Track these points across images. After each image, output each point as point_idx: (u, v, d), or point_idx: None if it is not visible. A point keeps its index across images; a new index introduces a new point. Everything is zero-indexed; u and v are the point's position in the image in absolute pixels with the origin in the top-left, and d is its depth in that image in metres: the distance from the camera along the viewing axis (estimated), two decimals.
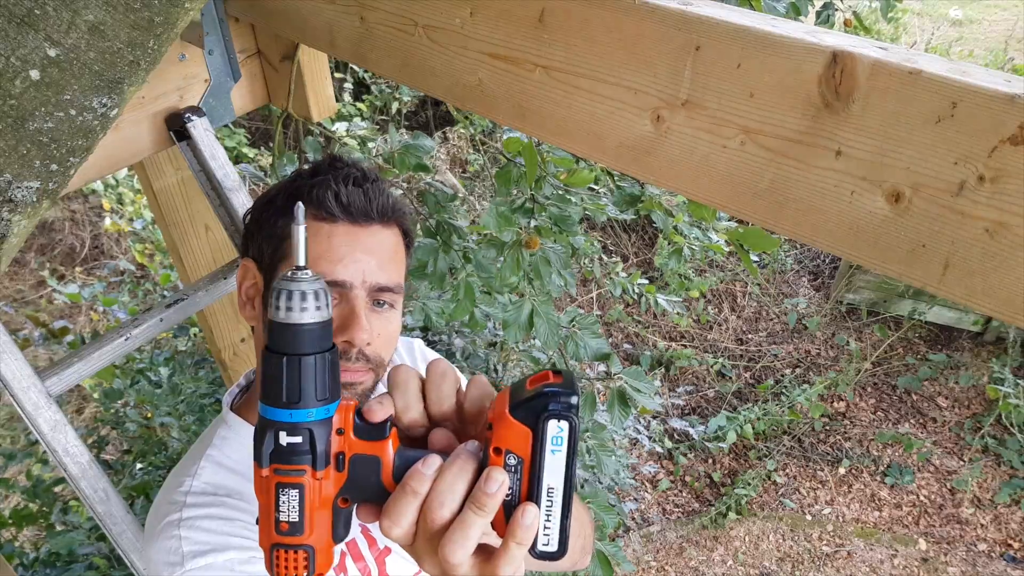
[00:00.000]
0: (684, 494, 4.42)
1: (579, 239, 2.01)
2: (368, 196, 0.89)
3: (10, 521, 2.30)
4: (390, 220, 0.93)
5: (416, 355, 1.21)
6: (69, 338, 2.75)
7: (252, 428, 0.94)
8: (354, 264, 0.87)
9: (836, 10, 2.36)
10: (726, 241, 2.08)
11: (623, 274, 2.53)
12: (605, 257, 3.98)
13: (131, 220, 4.33)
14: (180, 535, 0.84)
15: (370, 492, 0.58)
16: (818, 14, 2.34)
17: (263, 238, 0.93)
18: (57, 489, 2.45)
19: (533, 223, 1.83)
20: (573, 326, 1.83)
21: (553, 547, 0.57)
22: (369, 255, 0.89)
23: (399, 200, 0.94)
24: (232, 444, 0.95)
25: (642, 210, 1.91)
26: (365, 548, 0.98)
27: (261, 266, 0.94)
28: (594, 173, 1.92)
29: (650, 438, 4.18)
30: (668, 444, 4.49)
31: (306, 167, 0.96)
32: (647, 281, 2.57)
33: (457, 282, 1.87)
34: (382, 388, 1.01)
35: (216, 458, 0.93)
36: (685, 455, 4.54)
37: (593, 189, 1.98)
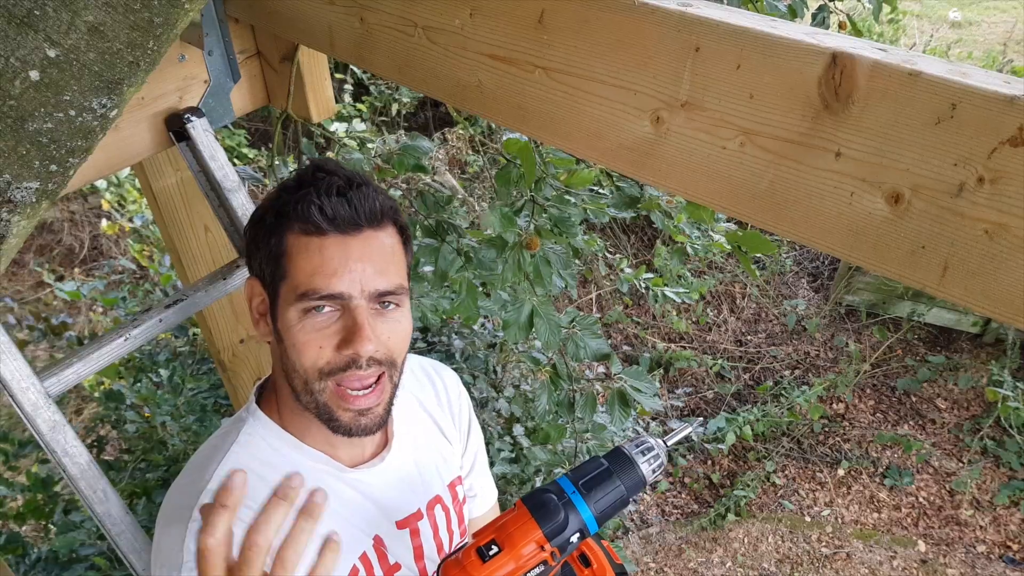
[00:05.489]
0: (683, 495, 4.42)
1: (579, 240, 2.01)
2: (353, 204, 0.88)
3: (19, 513, 2.30)
4: (381, 222, 0.91)
5: (438, 384, 1.18)
6: (69, 334, 2.76)
7: (276, 425, 0.96)
8: (349, 275, 0.87)
9: (831, 12, 2.37)
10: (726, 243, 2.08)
11: (628, 270, 2.52)
12: (609, 254, 3.97)
13: (131, 219, 4.33)
14: (185, 541, 0.84)
15: None
16: (813, 16, 2.35)
17: (262, 257, 0.93)
18: (57, 488, 2.45)
19: (532, 224, 1.83)
20: (573, 327, 1.83)
21: None
22: (364, 263, 0.88)
23: (387, 199, 0.93)
24: (257, 441, 0.96)
25: (641, 210, 1.91)
26: (376, 563, 1.00)
27: (265, 284, 0.94)
28: (594, 174, 1.92)
29: None
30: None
31: (291, 178, 0.94)
32: (653, 275, 2.56)
33: (458, 280, 1.86)
34: (403, 389, 1.02)
35: (239, 453, 0.94)
36: (684, 456, 4.54)
37: (593, 190, 1.98)
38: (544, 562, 0.81)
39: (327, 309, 0.88)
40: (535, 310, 1.74)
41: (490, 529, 0.84)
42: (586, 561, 0.94)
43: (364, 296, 0.88)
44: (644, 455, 0.87)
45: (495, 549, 0.81)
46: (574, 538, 0.83)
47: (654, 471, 0.87)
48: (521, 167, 1.81)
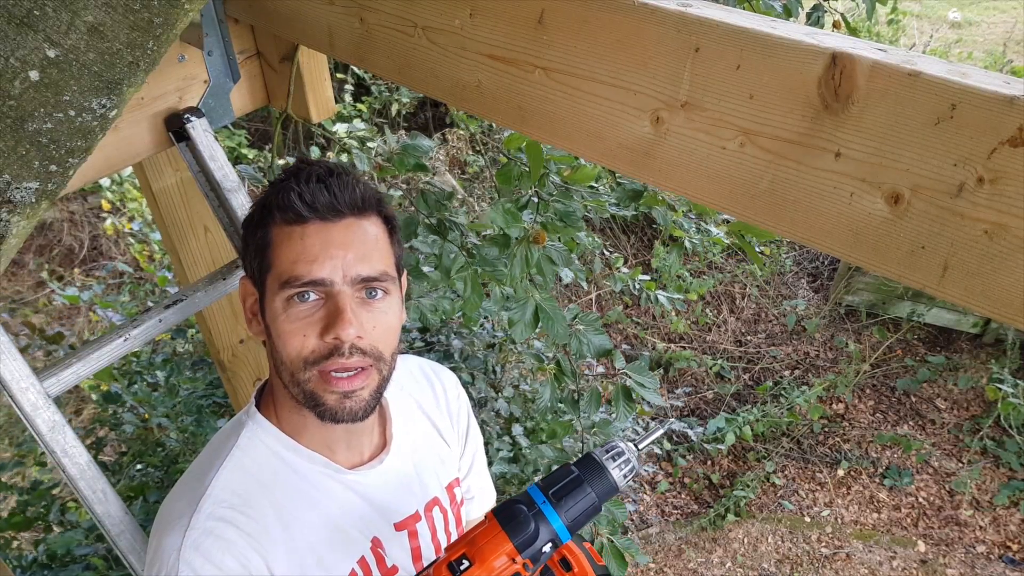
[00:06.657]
0: (683, 496, 4.42)
1: (583, 235, 2.01)
2: (332, 191, 0.88)
3: (6, 525, 2.29)
4: (364, 210, 0.91)
5: (437, 385, 1.18)
6: (67, 342, 2.75)
7: (274, 428, 0.96)
8: (330, 261, 0.86)
9: (825, 12, 2.37)
10: (727, 234, 2.08)
11: (625, 270, 2.52)
12: (607, 253, 3.97)
13: (131, 219, 4.32)
14: (182, 552, 0.84)
15: None
16: (808, 16, 2.35)
17: (251, 254, 0.93)
18: (55, 491, 2.45)
19: (539, 219, 1.83)
20: (576, 323, 1.83)
21: None
22: (345, 249, 0.87)
23: (371, 189, 0.93)
24: (256, 444, 0.96)
25: (643, 206, 1.91)
26: (374, 566, 0.99)
27: (255, 281, 0.94)
28: (596, 170, 1.92)
29: None
30: (667, 446, 4.48)
31: (279, 175, 0.95)
32: (647, 278, 2.56)
33: (462, 277, 1.86)
34: (394, 388, 1.01)
35: (239, 458, 0.94)
36: (684, 457, 4.54)
37: (594, 187, 1.98)
38: (517, 574, 0.81)
39: (311, 297, 0.87)
40: (539, 307, 1.75)
41: (461, 543, 0.83)
42: (567, 565, 0.93)
43: (346, 282, 0.87)
44: (614, 460, 0.86)
45: (466, 564, 0.80)
46: (546, 548, 0.83)
47: (625, 476, 0.86)
48: (521, 164, 1.81)
